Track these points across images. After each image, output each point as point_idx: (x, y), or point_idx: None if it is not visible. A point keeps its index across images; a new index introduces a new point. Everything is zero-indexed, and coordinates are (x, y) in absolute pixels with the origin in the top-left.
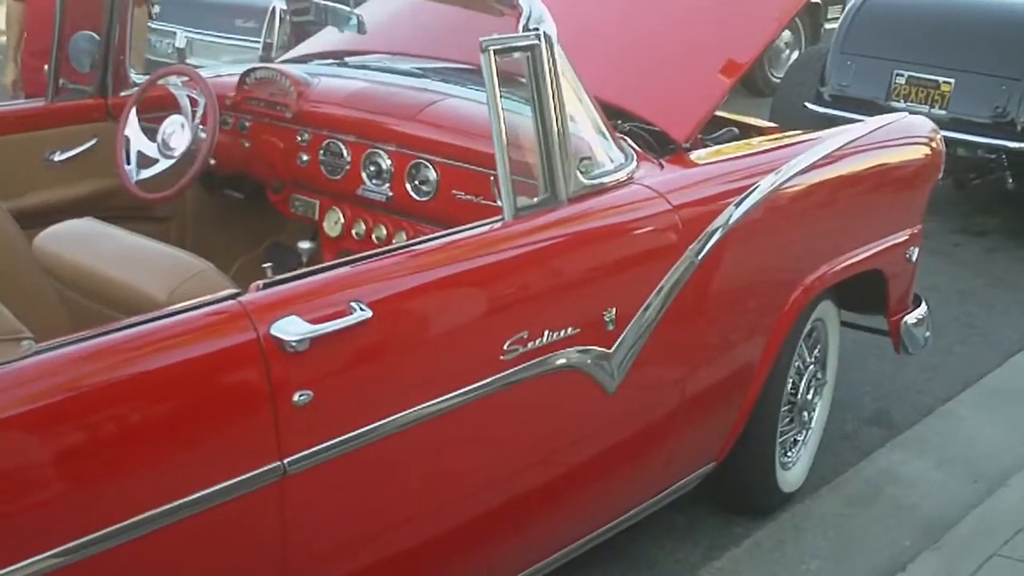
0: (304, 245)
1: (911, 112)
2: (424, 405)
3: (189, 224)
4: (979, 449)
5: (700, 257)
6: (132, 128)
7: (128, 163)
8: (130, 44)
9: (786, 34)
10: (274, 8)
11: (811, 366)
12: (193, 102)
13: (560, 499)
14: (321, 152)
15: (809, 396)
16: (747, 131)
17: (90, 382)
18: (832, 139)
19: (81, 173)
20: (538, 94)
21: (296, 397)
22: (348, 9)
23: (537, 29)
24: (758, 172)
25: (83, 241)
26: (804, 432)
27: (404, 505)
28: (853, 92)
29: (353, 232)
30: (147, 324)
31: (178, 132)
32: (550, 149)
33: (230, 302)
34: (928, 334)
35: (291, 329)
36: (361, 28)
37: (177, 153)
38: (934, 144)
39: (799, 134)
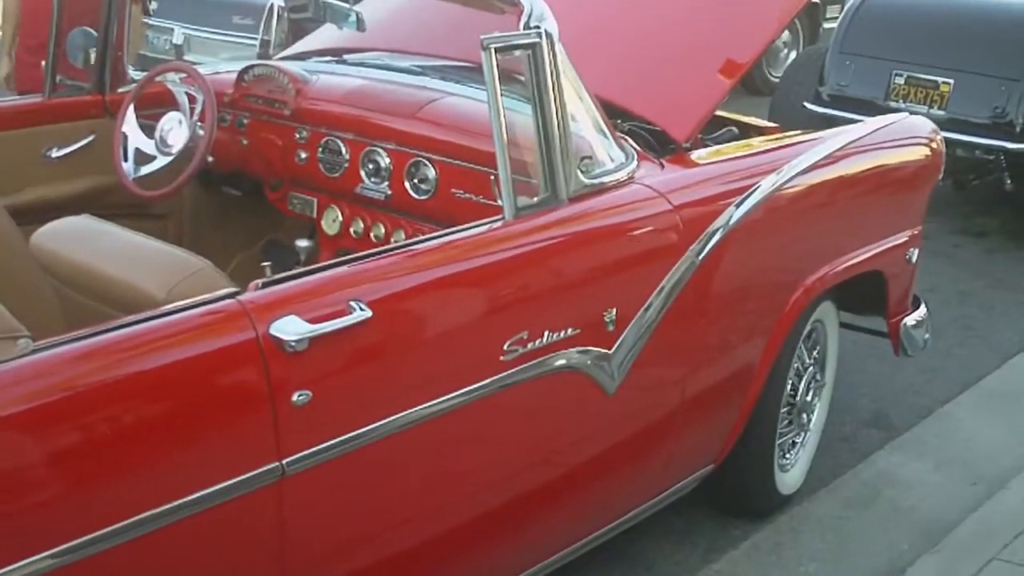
0: (302, 243)
1: (910, 112)
2: (424, 405)
3: (186, 221)
4: (978, 451)
5: (701, 257)
6: (130, 125)
7: (126, 160)
8: (128, 40)
9: (784, 34)
10: (272, 5)
11: (810, 367)
12: (191, 99)
13: (560, 500)
14: (319, 150)
15: (808, 398)
16: (747, 131)
17: (88, 381)
18: (833, 139)
19: (78, 170)
20: (539, 93)
21: (295, 397)
22: (347, 6)
23: (538, 27)
24: (759, 172)
25: (81, 238)
26: (803, 434)
27: (403, 506)
28: (852, 92)
29: (351, 230)
30: (145, 323)
31: (176, 129)
32: (551, 148)
33: (229, 301)
34: (927, 336)
35: (290, 329)
36: (360, 25)
37: (175, 150)
38: (935, 145)
39: (800, 134)
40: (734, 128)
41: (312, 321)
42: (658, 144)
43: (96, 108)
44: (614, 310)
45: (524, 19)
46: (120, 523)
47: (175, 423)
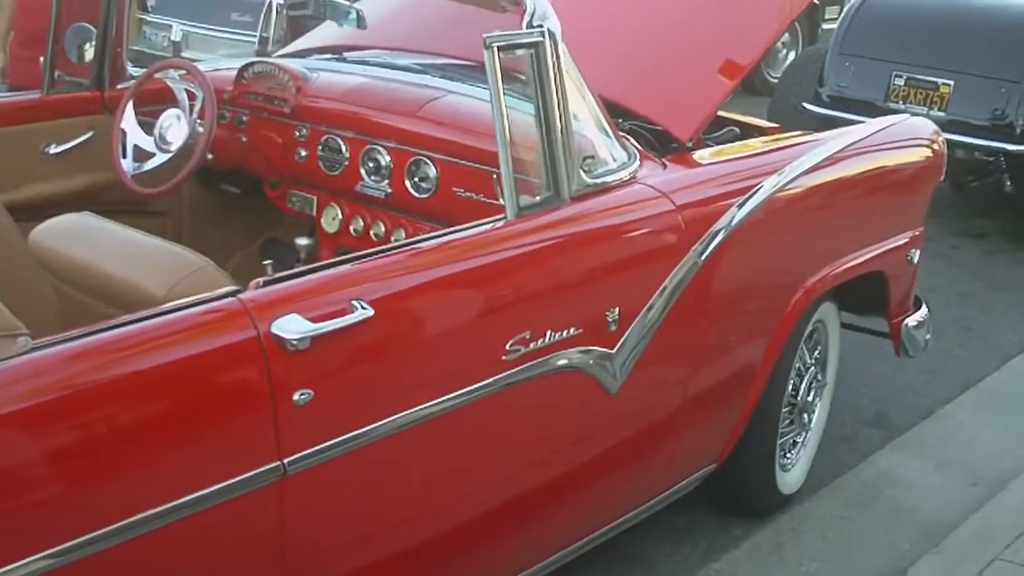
0: (301, 241)
1: (909, 114)
2: (425, 405)
3: (186, 219)
4: (978, 452)
5: (703, 258)
6: (129, 121)
7: (124, 157)
8: (127, 36)
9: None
10: (270, 2)
11: (811, 367)
12: (191, 96)
13: (561, 499)
14: (319, 148)
15: (809, 398)
16: (748, 131)
17: (87, 379)
18: (835, 140)
19: (77, 166)
20: (542, 91)
21: (296, 396)
22: (347, 4)
23: (541, 26)
24: (761, 173)
25: (80, 236)
26: (804, 434)
27: (404, 505)
28: (851, 93)
29: (351, 228)
30: (145, 321)
31: (175, 126)
32: (553, 147)
33: (230, 299)
34: (928, 336)
35: (292, 327)
36: (361, 23)
37: (174, 147)
38: (936, 146)
39: (801, 135)
40: (735, 128)
41: (313, 320)
42: (660, 144)
43: (95, 104)
44: (616, 310)
45: (527, 18)
46: (120, 523)
47: (175, 422)
